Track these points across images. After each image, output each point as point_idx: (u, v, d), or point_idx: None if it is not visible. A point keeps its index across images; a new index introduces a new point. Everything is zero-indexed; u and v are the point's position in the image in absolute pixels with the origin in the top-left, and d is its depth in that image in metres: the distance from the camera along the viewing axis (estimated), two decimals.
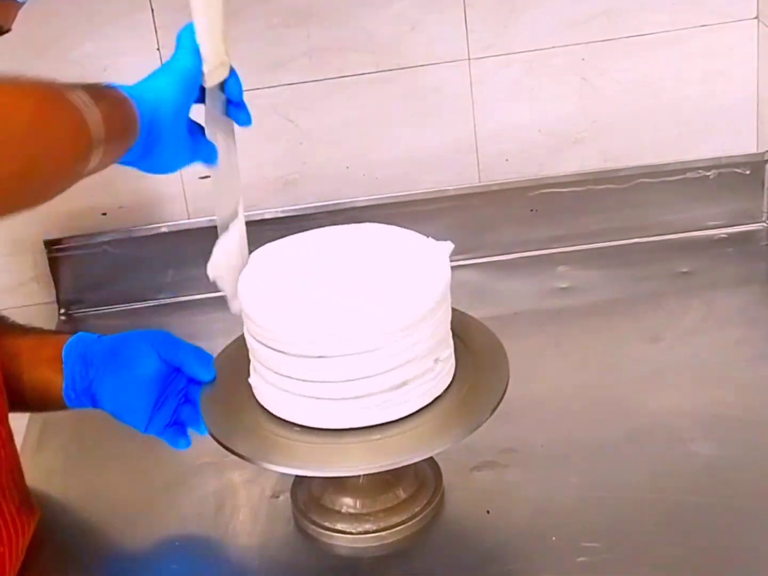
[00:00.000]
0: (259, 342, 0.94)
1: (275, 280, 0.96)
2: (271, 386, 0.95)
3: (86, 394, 1.01)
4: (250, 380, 0.98)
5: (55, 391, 1.02)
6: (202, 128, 0.95)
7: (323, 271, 0.96)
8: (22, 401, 1.03)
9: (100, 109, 0.79)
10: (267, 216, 1.47)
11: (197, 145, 0.94)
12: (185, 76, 0.90)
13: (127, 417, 1.01)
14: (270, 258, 1.00)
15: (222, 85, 0.94)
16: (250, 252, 1.02)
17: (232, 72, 0.94)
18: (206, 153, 0.95)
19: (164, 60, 1.39)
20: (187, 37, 0.90)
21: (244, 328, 0.97)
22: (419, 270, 0.94)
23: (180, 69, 0.90)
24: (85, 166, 0.79)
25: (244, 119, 0.96)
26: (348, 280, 0.94)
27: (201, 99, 0.94)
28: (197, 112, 0.94)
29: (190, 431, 1.02)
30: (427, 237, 0.99)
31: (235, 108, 0.96)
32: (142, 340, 1.01)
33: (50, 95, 0.77)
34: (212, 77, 0.91)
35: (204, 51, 0.90)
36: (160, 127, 0.87)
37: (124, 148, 0.85)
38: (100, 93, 0.81)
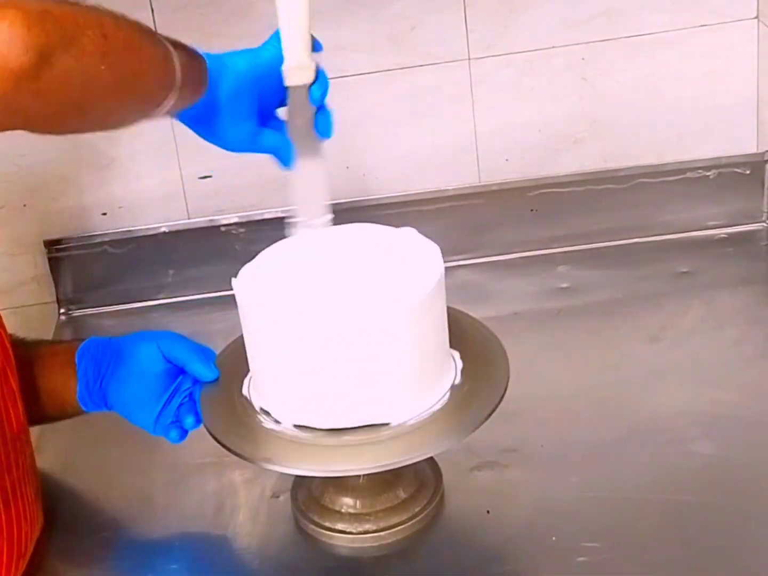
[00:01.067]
0: (259, 342, 0.94)
1: (275, 281, 0.96)
2: (269, 386, 0.95)
3: (99, 396, 1.04)
4: (249, 381, 0.98)
5: (70, 396, 1.04)
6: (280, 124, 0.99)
7: (322, 271, 0.96)
8: (38, 411, 1.06)
9: (179, 54, 0.84)
10: (267, 216, 1.47)
11: (270, 138, 0.97)
12: (256, 53, 0.94)
13: (136, 418, 1.03)
14: (270, 259, 1.00)
15: (308, 92, 0.97)
16: (252, 254, 1.02)
17: (319, 77, 0.97)
18: (281, 150, 0.98)
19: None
20: (274, 38, 0.95)
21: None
22: (412, 268, 0.94)
23: (254, 50, 0.94)
24: (167, 97, 0.84)
25: (324, 129, 1.00)
26: (346, 280, 0.94)
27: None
28: None
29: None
30: (426, 237, 0.99)
31: (319, 115, 0.99)
32: (147, 342, 1.03)
33: (142, 27, 0.82)
34: (291, 77, 0.95)
35: (284, 50, 0.94)
36: (227, 86, 0.91)
37: (193, 97, 0.89)
38: (175, 42, 0.86)
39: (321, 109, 0.99)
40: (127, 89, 0.79)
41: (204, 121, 0.93)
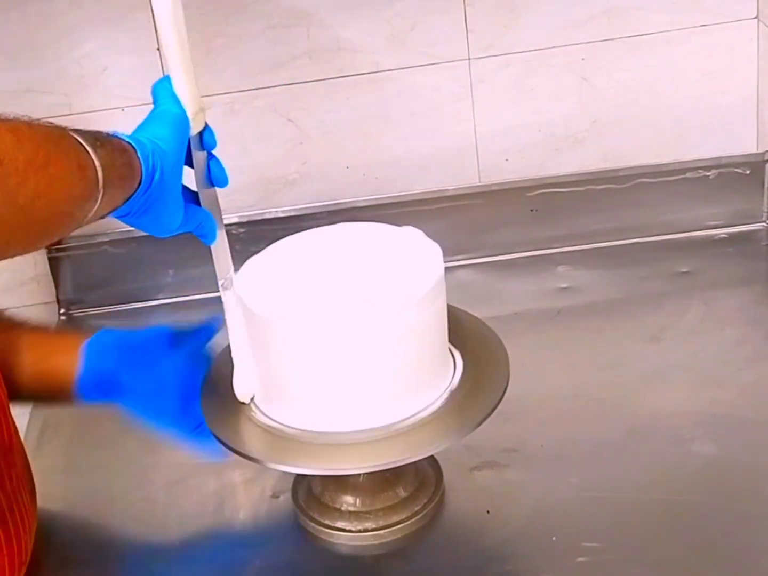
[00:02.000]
0: (258, 342, 0.94)
1: (274, 281, 0.96)
2: (271, 387, 0.95)
3: (105, 385, 1.00)
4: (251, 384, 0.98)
5: (67, 382, 1.00)
6: (194, 195, 0.91)
7: (321, 271, 0.96)
8: (21, 394, 1.02)
9: (99, 156, 0.74)
10: (267, 216, 1.47)
11: (194, 214, 0.90)
12: (175, 121, 0.85)
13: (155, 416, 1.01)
14: (269, 259, 1.00)
15: (201, 140, 0.90)
16: (252, 254, 1.01)
17: (206, 123, 0.90)
18: (205, 225, 0.91)
19: (164, 61, 1.41)
20: (163, 87, 0.87)
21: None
22: (412, 267, 0.94)
23: (169, 115, 0.85)
24: (91, 208, 0.75)
25: (221, 177, 0.91)
26: (345, 281, 0.94)
27: (188, 162, 0.90)
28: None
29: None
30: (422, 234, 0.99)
31: (212, 163, 0.91)
32: (163, 341, 1.01)
33: (52, 135, 0.72)
34: (195, 123, 0.87)
35: (183, 98, 0.86)
36: (162, 173, 0.82)
37: (122, 198, 0.80)
38: (100, 140, 0.76)
39: (211, 156, 0.91)
40: (30, 217, 0.68)
41: (140, 211, 0.82)
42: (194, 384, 0.99)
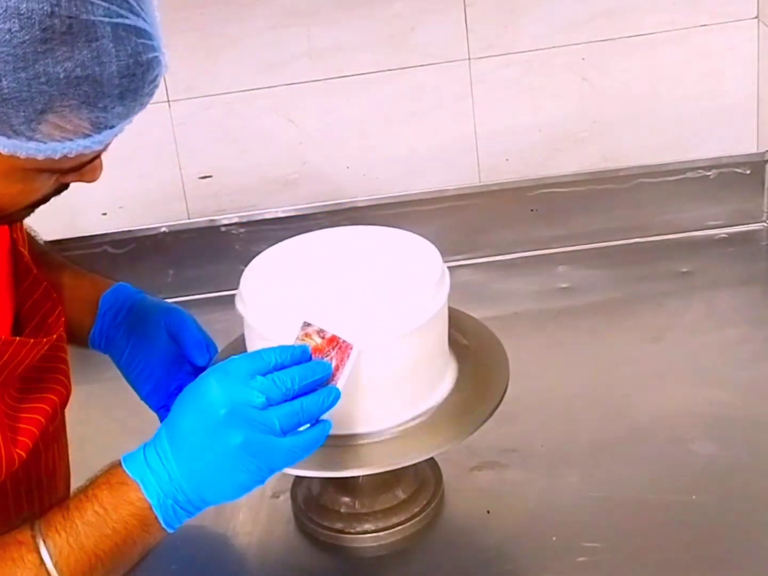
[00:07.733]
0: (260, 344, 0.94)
1: (276, 284, 0.95)
2: None
3: (108, 345, 1.04)
4: None
5: (84, 330, 1.04)
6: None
7: (322, 273, 0.95)
8: None
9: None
10: (267, 216, 1.47)
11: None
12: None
13: (133, 380, 1.04)
14: (270, 262, 0.99)
15: None
16: (252, 254, 1.01)
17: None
18: None
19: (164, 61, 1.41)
20: None
21: (245, 331, 0.96)
22: (415, 272, 0.94)
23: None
24: None
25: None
26: (347, 282, 0.94)
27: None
28: None
29: None
30: (426, 237, 0.98)
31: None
32: (157, 315, 1.03)
33: None
34: None
35: None
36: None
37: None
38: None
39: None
40: None
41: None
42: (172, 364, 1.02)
